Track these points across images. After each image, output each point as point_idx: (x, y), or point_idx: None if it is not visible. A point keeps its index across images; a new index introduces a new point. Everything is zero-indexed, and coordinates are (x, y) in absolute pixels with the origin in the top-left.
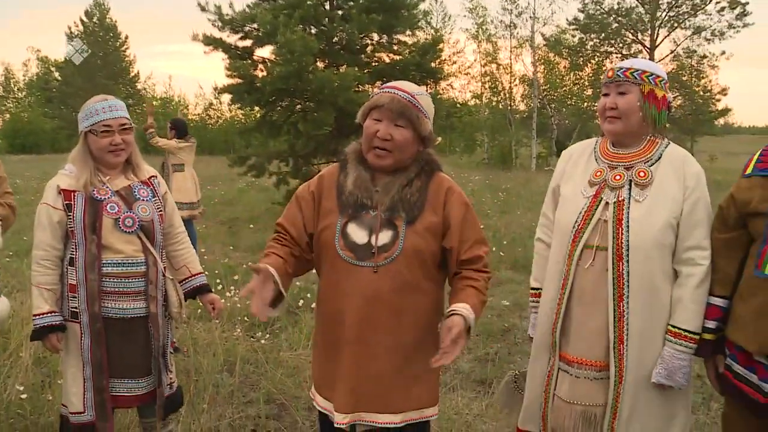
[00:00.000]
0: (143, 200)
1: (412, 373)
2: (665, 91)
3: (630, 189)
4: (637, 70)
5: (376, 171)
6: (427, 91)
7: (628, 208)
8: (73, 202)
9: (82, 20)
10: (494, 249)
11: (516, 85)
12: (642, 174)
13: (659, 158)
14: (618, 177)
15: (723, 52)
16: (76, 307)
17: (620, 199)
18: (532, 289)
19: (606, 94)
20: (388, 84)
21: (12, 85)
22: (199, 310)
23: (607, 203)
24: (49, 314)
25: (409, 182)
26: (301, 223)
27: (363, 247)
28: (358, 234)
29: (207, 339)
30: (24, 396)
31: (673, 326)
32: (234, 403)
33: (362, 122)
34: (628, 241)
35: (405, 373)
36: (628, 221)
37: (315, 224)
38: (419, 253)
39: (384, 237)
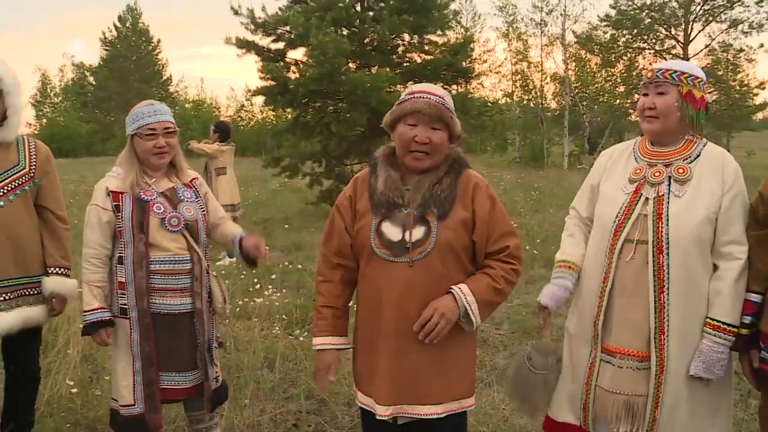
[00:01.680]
0: (187, 201)
1: (448, 365)
2: (703, 92)
3: (669, 185)
4: (676, 71)
5: (410, 172)
6: (457, 90)
7: (668, 203)
8: (121, 203)
9: (115, 25)
10: (527, 247)
11: (547, 83)
12: (681, 170)
13: (698, 156)
14: (657, 173)
15: (761, 45)
16: (125, 304)
17: (660, 194)
18: (563, 261)
19: (645, 94)
20: (417, 89)
21: (48, 91)
22: (238, 309)
23: (647, 199)
24: (98, 310)
25: (439, 180)
26: (345, 230)
27: (397, 243)
28: (392, 231)
29: (247, 336)
30: (74, 390)
31: (712, 319)
32: (275, 398)
33: (389, 128)
34: (668, 234)
35: (441, 364)
36: (667, 216)
37: (353, 226)
38: (452, 247)
39: (417, 233)
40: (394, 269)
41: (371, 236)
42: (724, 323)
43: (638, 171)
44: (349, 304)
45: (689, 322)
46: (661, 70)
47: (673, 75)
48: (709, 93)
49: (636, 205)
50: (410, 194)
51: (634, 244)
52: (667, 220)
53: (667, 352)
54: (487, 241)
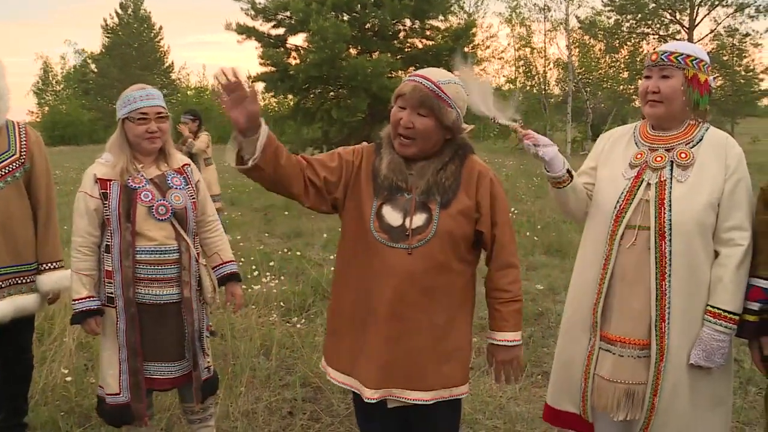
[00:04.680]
0: (176, 188)
1: (444, 351)
2: (707, 75)
3: (672, 170)
4: (682, 54)
5: (412, 157)
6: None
7: (671, 188)
8: (108, 191)
9: (117, 12)
10: (528, 234)
11: (550, 69)
12: (683, 155)
13: (700, 140)
14: (659, 158)
15: None
16: (111, 293)
17: (662, 179)
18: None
19: (648, 77)
20: (417, 72)
21: (50, 79)
22: None
23: (648, 184)
24: (87, 299)
25: (443, 166)
26: (338, 174)
27: (397, 229)
28: (392, 216)
29: (243, 324)
30: (69, 379)
31: (713, 306)
32: (271, 386)
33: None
34: (670, 220)
35: (436, 350)
36: (670, 201)
37: (344, 192)
38: (452, 236)
39: (418, 220)
40: (392, 255)
41: (371, 219)
42: (725, 311)
43: (639, 155)
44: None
45: (691, 309)
46: (666, 52)
47: (678, 58)
48: (714, 78)
49: (637, 190)
50: (413, 179)
51: (635, 231)
52: (670, 205)
53: (668, 340)
54: (494, 233)
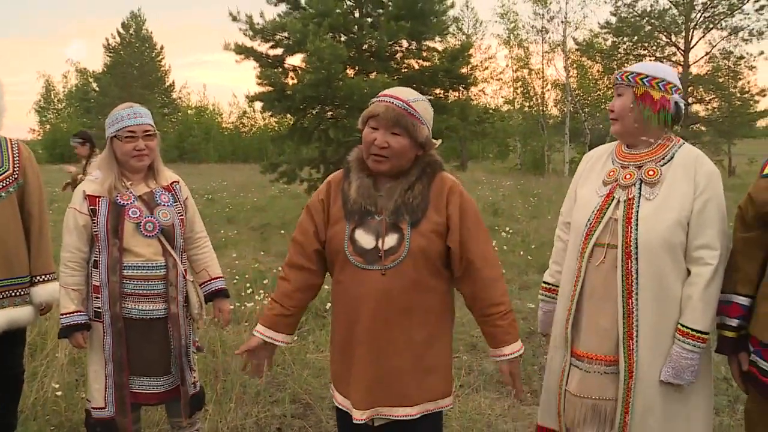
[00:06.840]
0: (164, 205)
1: (425, 366)
2: (665, 92)
3: (640, 187)
4: (632, 73)
5: (378, 176)
6: (457, 96)
7: (638, 205)
8: (97, 207)
9: (119, 32)
10: (522, 253)
11: (548, 90)
12: (651, 173)
13: (671, 158)
14: (629, 176)
15: (761, 52)
16: (99, 307)
17: (630, 197)
18: (544, 283)
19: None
20: (385, 92)
21: (52, 97)
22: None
23: (618, 201)
24: (74, 314)
25: (411, 186)
26: (313, 234)
27: (371, 251)
28: (365, 239)
29: (235, 341)
30: (59, 393)
31: (682, 325)
32: (260, 402)
33: (362, 129)
34: (636, 239)
35: (418, 367)
36: (637, 219)
37: (325, 231)
38: (425, 254)
39: (390, 240)
40: (368, 277)
41: (345, 244)
42: (694, 330)
43: (612, 173)
44: (305, 307)
45: (660, 327)
46: (620, 72)
47: (629, 77)
48: (709, 100)
49: (608, 208)
50: (383, 201)
51: (604, 248)
52: (636, 224)
53: (636, 357)
54: (462, 249)
